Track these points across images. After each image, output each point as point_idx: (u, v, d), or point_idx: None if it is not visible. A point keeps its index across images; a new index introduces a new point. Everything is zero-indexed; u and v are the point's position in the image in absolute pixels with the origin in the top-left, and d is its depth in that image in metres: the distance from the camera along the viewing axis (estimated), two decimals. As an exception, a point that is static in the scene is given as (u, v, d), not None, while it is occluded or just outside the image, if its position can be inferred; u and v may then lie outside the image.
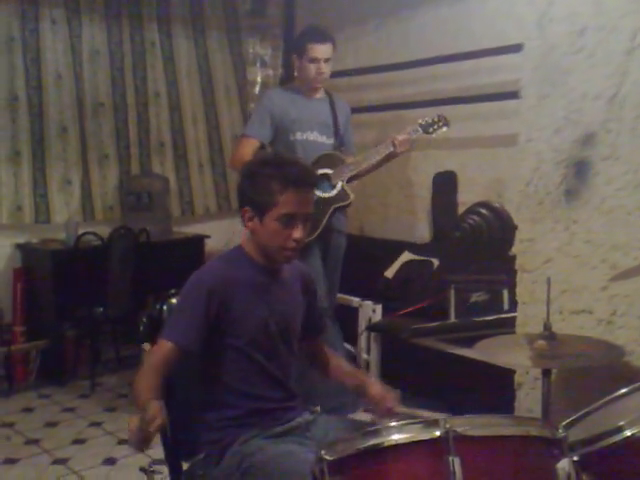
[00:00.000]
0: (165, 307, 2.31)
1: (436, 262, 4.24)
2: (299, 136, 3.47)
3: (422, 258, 4.31)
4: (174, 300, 2.33)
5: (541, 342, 2.22)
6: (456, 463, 1.22)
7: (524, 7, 2.65)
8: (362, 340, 3.98)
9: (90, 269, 4.30)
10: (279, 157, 2.12)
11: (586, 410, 1.75)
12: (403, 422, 1.31)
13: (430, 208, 4.44)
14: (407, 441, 1.28)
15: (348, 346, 3.91)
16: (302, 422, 2.04)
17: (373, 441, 1.31)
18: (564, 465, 1.29)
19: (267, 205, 1.91)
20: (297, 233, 1.93)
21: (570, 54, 2.52)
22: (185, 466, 2.15)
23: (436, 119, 3.52)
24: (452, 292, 3.80)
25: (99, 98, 4.65)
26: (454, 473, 1.21)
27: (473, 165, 4.13)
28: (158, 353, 1.91)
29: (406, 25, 4.50)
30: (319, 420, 2.08)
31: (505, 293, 3.76)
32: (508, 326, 3.18)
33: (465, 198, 4.06)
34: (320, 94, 3.59)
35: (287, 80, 5.23)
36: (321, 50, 3.42)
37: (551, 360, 2.17)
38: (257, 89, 5.27)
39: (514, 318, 3.12)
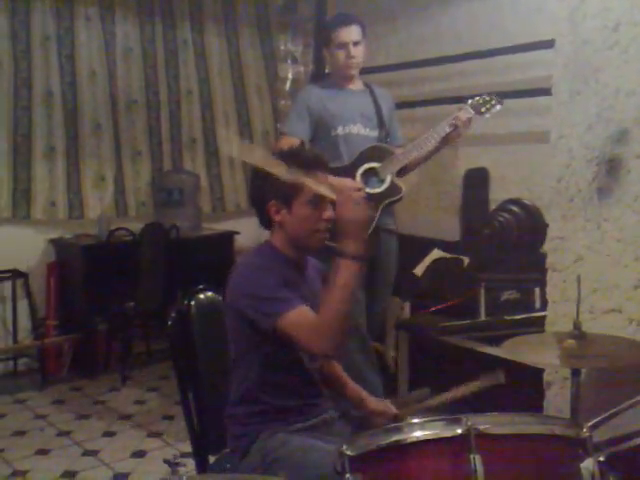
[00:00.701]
0: (193, 302, 2.34)
1: (466, 260, 4.21)
2: (341, 130, 3.29)
3: (452, 256, 4.28)
4: (204, 296, 2.37)
5: (570, 341, 2.19)
6: (477, 461, 1.21)
7: (556, 3, 2.61)
8: (390, 338, 3.96)
9: (122, 264, 4.37)
10: (283, 150, 2.12)
11: (613, 410, 1.73)
12: (425, 419, 1.31)
13: (461, 205, 4.41)
14: (429, 438, 1.27)
15: (376, 344, 3.89)
16: (328, 419, 2.06)
17: (395, 437, 1.30)
18: (588, 465, 1.27)
19: (294, 192, 1.92)
20: (327, 213, 1.94)
21: (603, 50, 2.47)
22: (212, 460, 2.18)
23: (487, 98, 3.30)
24: (482, 290, 3.76)
25: (132, 95, 4.72)
26: (475, 471, 1.20)
27: (504, 162, 4.09)
28: (307, 317, 1.86)
29: (438, 21, 4.47)
30: (342, 422, 2.09)
31: (537, 291, 3.71)
32: (538, 325, 3.14)
33: (496, 195, 4.01)
34: (358, 86, 3.41)
35: (318, 76, 5.24)
36: (346, 33, 3.24)
37: (580, 360, 2.13)
38: (288, 86, 5.29)
39: (544, 317, 3.10)
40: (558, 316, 2.65)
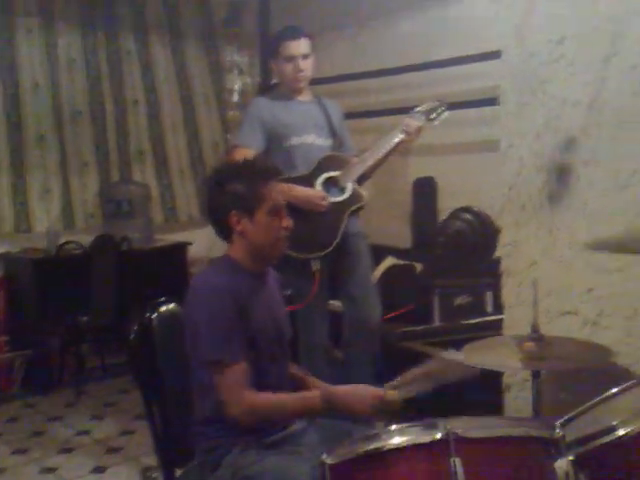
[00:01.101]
0: (155, 315, 2.33)
1: (419, 266, 4.30)
2: (295, 141, 3.27)
3: (405, 262, 4.36)
4: (166, 308, 2.35)
5: (529, 344, 2.26)
6: (457, 464, 1.26)
7: (503, 16, 2.71)
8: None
9: (73, 278, 4.31)
10: (238, 161, 2.16)
11: (578, 410, 1.80)
12: (403, 425, 1.34)
13: (411, 213, 4.49)
14: (408, 444, 1.31)
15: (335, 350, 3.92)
16: (297, 429, 2.07)
17: (374, 445, 1.34)
18: (562, 464, 1.33)
19: (256, 202, 1.95)
20: (286, 221, 2.01)
21: (549, 62, 2.58)
22: (178, 472, 2.17)
23: (436, 104, 3.32)
24: (436, 296, 3.85)
25: (77, 106, 4.66)
26: (456, 474, 1.25)
27: (452, 171, 4.19)
28: (233, 380, 1.89)
29: (382, 33, 4.54)
30: (311, 427, 2.10)
31: (488, 296, 3.82)
32: (494, 328, 3.25)
33: (447, 204, 4.11)
34: (308, 97, 3.40)
35: (266, 88, 5.26)
36: (295, 46, 3.22)
37: (540, 362, 2.20)
38: (235, 97, 5.30)
39: (500, 320, 3.19)
40: (515, 320, 2.74)
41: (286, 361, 2.14)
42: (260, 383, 1.99)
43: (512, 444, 1.33)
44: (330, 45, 4.78)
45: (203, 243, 5.10)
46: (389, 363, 3.78)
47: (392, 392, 1.86)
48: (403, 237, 4.53)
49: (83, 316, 4.31)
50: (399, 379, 1.91)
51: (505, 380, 2.82)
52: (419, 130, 3.26)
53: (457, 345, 3.42)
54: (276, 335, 2.08)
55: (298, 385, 2.18)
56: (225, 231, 2.02)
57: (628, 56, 2.37)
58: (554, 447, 1.37)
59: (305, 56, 3.26)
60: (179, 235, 5.04)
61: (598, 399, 1.85)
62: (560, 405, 2.47)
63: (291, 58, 3.24)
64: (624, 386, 1.87)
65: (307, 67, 3.29)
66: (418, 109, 3.34)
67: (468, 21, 4.00)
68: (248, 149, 3.22)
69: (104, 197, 4.73)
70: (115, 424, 3.92)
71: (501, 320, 3.18)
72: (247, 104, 5.27)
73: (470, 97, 3.89)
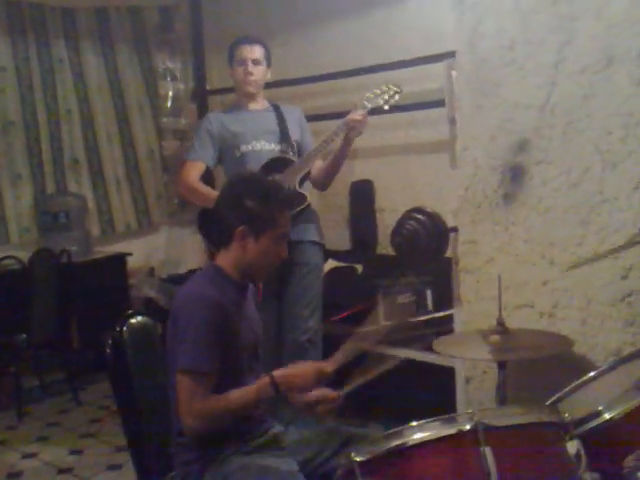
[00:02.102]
0: (125, 328, 2.30)
1: (359, 268, 4.38)
2: (244, 148, 3.33)
3: (346, 264, 4.43)
4: (136, 320, 2.33)
5: (495, 336, 2.37)
6: (488, 453, 1.32)
7: (455, 24, 2.82)
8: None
9: (10, 294, 4.16)
10: (265, 178, 2.19)
11: (558, 395, 1.90)
12: (427, 420, 1.39)
13: (349, 215, 4.57)
14: (435, 437, 1.36)
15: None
16: (276, 433, 2.08)
17: (404, 439, 1.38)
18: (572, 445, 1.42)
19: (268, 225, 1.98)
20: (284, 252, 2.05)
21: (501, 67, 2.70)
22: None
23: (384, 88, 3.29)
24: (380, 296, 3.93)
25: (8, 116, 4.49)
26: (487, 462, 1.31)
27: (393, 172, 4.28)
28: (198, 393, 1.89)
29: (320, 36, 4.56)
30: (290, 430, 2.13)
31: (429, 293, 3.94)
32: (443, 324, 3.36)
33: (394, 205, 4.21)
34: (262, 105, 3.46)
35: (199, 94, 5.24)
36: (247, 50, 3.32)
37: (507, 353, 2.32)
38: (169, 103, 5.23)
39: (448, 317, 3.30)
40: (474, 314, 2.85)
41: (260, 371, 2.14)
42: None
43: (532, 430, 1.41)
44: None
45: (142, 253, 5.04)
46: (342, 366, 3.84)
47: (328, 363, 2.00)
48: (342, 240, 4.60)
49: (21, 334, 4.17)
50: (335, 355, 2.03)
51: (466, 373, 2.92)
52: (360, 121, 3.23)
53: (407, 343, 3.53)
54: (253, 347, 2.11)
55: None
56: (224, 239, 2.03)
57: (575, 61, 2.52)
58: (564, 430, 1.45)
59: (256, 61, 3.35)
60: (118, 246, 4.94)
61: (575, 384, 1.96)
62: (523, 394, 2.60)
63: (242, 61, 3.34)
64: (599, 370, 1.99)
65: (257, 73, 3.37)
66: (367, 94, 3.32)
67: (413, 25, 4.09)
68: (197, 162, 3.35)
69: (39, 209, 4.58)
70: (62, 444, 3.80)
71: (448, 316, 3.31)
72: (180, 111, 5.32)
73: (416, 99, 3.97)
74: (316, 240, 3.42)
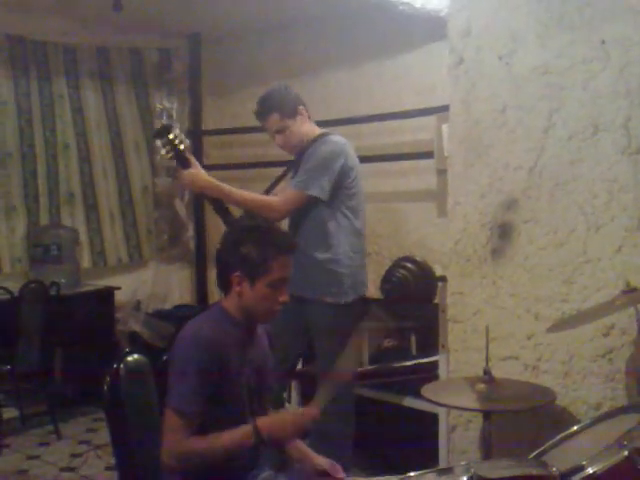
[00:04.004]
0: (122, 366, 2.36)
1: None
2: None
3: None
4: (132, 359, 2.38)
5: (481, 385, 2.46)
6: (482, 503, 1.41)
7: (452, 86, 2.96)
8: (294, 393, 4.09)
9: (-1, 324, 4.17)
10: (262, 224, 2.17)
11: (542, 448, 1.99)
12: (425, 471, 1.47)
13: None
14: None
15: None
16: (266, 477, 2.12)
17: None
18: (558, 498, 1.51)
19: (261, 271, 2.00)
20: (284, 297, 2.07)
21: (493, 129, 2.84)
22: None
23: (159, 144, 3.07)
24: (366, 339, 4.01)
25: (7, 148, 4.59)
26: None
27: (386, 219, 4.41)
28: (180, 429, 1.92)
29: (313, 85, 4.70)
30: (281, 475, 2.16)
31: (412, 339, 4.04)
32: (427, 371, 3.45)
33: (380, 249, 4.32)
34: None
35: (195, 133, 5.36)
36: (262, 125, 3.22)
37: (494, 402, 2.40)
38: (164, 141, 5.33)
39: (431, 363, 3.39)
40: (460, 363, 2.94)
41: (263, 413, 2.16)
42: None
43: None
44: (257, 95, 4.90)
45: (130, 287, 5.09)
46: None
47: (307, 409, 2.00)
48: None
49: (6, 364, 4.17)
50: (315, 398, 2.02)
51: (451, 421, 3.00)
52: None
53: (391, 387, 3.60)
54: (258, 388, 2.13)
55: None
56: (224, 285, 2.09)
57: (564, 128, 2.66)
58: (551, 484, 1.55)
59: (274, 131, 3.19)
60: (107, 280, 4.99)
61: (559, 437, 2.05)
62: (507, 445, 2.68)
63: (269, 134, 3.23)
64: (582, 425, 2.08)
65: (279, 140, 3.21)
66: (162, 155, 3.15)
67: (404, 78, 4.26)
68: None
69: (32, 241, 4.64)
70: (42, 477, 3.79)
71: (431, 363, 3.40)
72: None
73: (405, 150, 4.14)
74: (321, 299, 3.13)
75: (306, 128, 3.19)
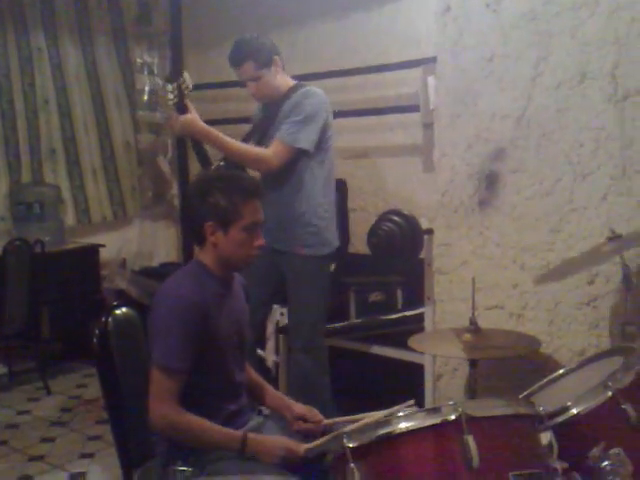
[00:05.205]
0: (110, 319, 2.36)
1: (333, 266, 4.48)
2: None
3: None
4: (120, 312, 2.38)
5: (468, 335, 2.49)
6: (470, 441, 1.43)
7: (438, 35, 2.93)
8: (271, 343, 4.12)
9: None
10: (226, 172, 2.18)
11: (529, 391, 2.03)
12: (414, 410, 1.50)
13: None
14: (424, 425, 1.47)
15: (259, 351, 4.01)
16: (255, 425, 2.15)
17: (392, 427, 1.49)
18: (546, 435, 1.54)
19: (233, 217, 2.00)
20: (260, 240, 2.08)
21: (480, 78, 2.82)
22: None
23: (170, 88, 2.99)
24: (352, 294, 4.04)
25: (-15, 106, 4.49)
26: (469, 450, 1.42)
27: (371, 174, 4.40)
28: (169, 389, 1.93)
29: (294, 38, 4.64)
30: (268, 423, 2.20)
31: (399, 293, 4.07)
32: (413, 322, 3.48)
33: (366, 205, 4.32)
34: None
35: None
36: (237, 73, 3.13)
37: (480, 351, 2.43)
38: (145, 97, 5.26)
39: (417, 315, 3.42)
40: (446, 313, 2.97)
41: (245, 363, 2.21)
42: (227, 386, 2.09)
43: (510, 421, 1.52)
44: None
45: (115, 245, 5.07)
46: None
47: (305, 447, 1.94)
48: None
49: (-7, 323, 4.18)
50: (316, 442, 1.95)
51: (437, 370, 3.04)
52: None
53: (377, 340, 3.64)
54: (238, 340, 2.15)
55: (254, 391, 2.28)
56: (198, 238, 2.08)
57: (551, 76, 2.65)
58: (538, 422, 1.58)
59: (250, 79, 3.11)
60: (90, 238, 4.96)
61: (545, 380, 2.09)
62: (491, 390, 2.73)
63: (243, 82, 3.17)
64: (567, 369, 2.12)
65: (253, 88, 3.14)
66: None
67: (390, 30, 4.21)
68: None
69: (14, 199, 4.59)
70: (32, 432, 3.82)
71: (417, 315, 3.43)
72: (156, 105, 5.33)
73: (391, 103, 4.10)
74: (299, 253, 3.13)
75: (280, 79, 3.15)
